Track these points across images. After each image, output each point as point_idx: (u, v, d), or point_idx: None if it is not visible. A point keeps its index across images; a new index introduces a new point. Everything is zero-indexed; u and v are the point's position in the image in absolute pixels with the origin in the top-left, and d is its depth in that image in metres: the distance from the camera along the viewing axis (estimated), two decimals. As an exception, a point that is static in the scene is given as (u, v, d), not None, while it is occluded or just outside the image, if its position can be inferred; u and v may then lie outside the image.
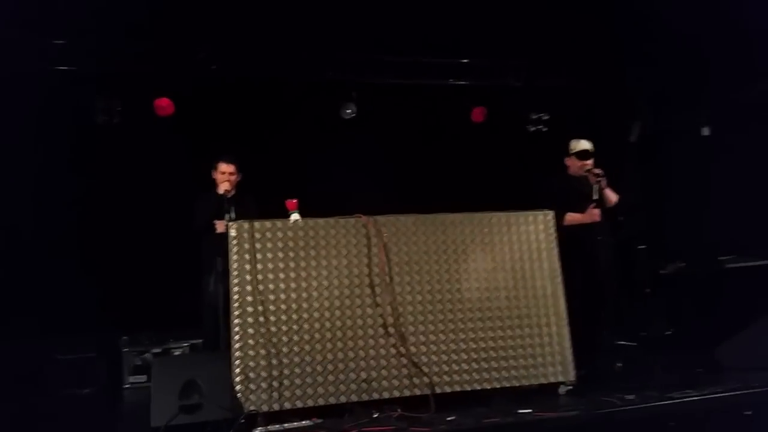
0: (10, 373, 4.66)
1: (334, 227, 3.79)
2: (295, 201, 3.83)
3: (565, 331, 4.02)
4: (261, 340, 3.53)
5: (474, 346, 3.86)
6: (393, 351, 3.73)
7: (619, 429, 3.30)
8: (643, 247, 6.37)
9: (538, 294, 4.03)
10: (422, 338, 3.79)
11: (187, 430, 3.23)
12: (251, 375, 3.48)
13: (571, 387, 3.95)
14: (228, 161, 4.66)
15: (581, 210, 4.62)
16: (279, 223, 3.72)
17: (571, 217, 4.64)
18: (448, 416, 3.33)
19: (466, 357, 3.84)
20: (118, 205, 5.80)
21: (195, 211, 4.66)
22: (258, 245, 3.63)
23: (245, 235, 3.63)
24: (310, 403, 3.54)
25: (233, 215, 4.26)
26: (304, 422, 3.38)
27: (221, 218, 4.42)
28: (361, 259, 3.79)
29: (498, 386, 3.85)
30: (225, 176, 4.63)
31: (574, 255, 4.49)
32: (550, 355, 3.97)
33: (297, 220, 3.76)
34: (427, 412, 3.48)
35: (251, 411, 3.40)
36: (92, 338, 5.11)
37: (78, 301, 5.25)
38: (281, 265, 3.65)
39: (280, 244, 3.67)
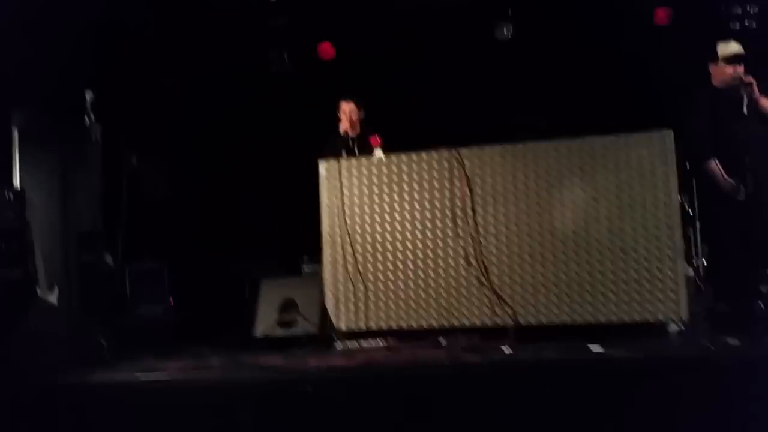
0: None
1: (416, 162, 3.87)
2: (378, 138, 3.98)
3: (680, 265, 3.54)
4: (350, 268, 3.87)
5: (565, 278, 3.65)
6: (474, 281, 3.75)
7: (697, 378, 2.86)
8: None
9: (649, 225, 3.59)
10: (506, 269, 3.72)
11: (285, 342, 3.76)
12: (340, 297, 3.86)
13: (682, 327, 3.50)
14: (346, 99, 4.78)
15: (733, 133, 3.82)
16: (365, 160, 3.94)
17: (712, 171, 3.89)
18: (505, 346, 3.27)
19: (556, 290, 3.66)
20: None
21: (322, 153, 5.05)
22: (345, 182, 3.92)
23: (334, 172, 3.94)
24: (393, 325, 3.81)
25: (381, 152, 4.29)
26: (378, 340, 3.66)
27: (351, 155, 4.71)
28: (444, 192, 3.82)
29: (592, 321, 3.60)
30: (345, 115, 4.76)
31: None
32: (660, 291, 3.55)
33: (380, 158, 3.93)
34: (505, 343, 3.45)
35: (339, 329, 3.80)
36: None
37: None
38: (366, 200, 3.90)
39: (365, 181, 3.91)
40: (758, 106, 3.85)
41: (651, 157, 3.60)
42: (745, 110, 3.76)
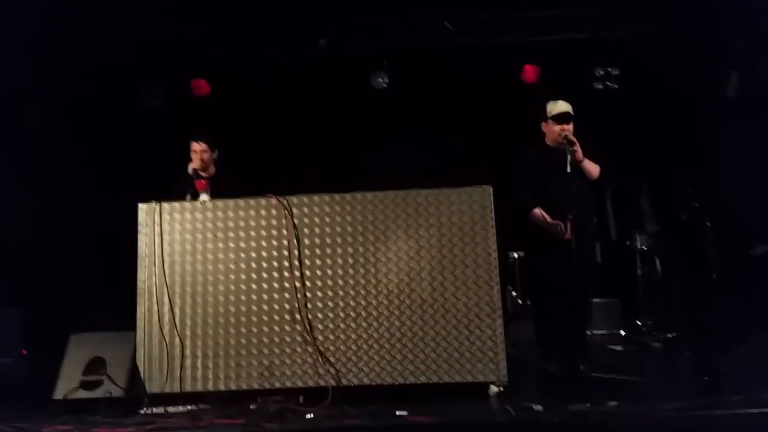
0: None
1: (243, 208, 3.72)
2: (204, 181, 3.82)
3: (499, 324, 3.53)
4: (166, 322, 3.62)
5: (387, 335, 3.56)
6: (298, 338, 3.59)
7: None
8: (708, 224, 5.37)
9: (469, 282, 3.58)
10: (331, 326, 3.59)
11: (86, 406, 3.43)
12: (153, 356, 3.59)
13: (501, 388, 3.47)
14: (197, 139, 4.71)
15: (557, 188, 3.94)
16: (188, 204, 3.74)
17: (536, 218, 4.01)
18: (309, 413, 3.11)
19: (377, 348, 3.56)
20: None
21: (170, 192, 4.86)
22: (167, 226, 3.70)
23: (154, 216, 3.71)
24: (210, 387, 3.57)
25: (207, 196, 4.30)
26: (188, 406, 3.40)
27: (195, 198, 4.55)
28: (271, 241, 3.67)
29: (414, 381, 3.51)
30: (196, 155, 4.70)
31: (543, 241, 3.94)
32: (480, 351, 3.52)
33: (205, 201, 3.75)
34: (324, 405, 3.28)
35: (150, 391, 3.51)
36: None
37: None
38: (189, 246, 3.68)
39: (188, 226, 3.70)
40: (580, 166, 3.99)
41: (471, 212, 3.62)
42: (568, 168, 3.88)
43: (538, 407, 3.02)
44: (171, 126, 6.46)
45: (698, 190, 5.68)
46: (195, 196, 4.36)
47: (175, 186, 4.81)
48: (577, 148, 3.94)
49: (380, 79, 6.67)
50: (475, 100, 6.69)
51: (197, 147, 4.71)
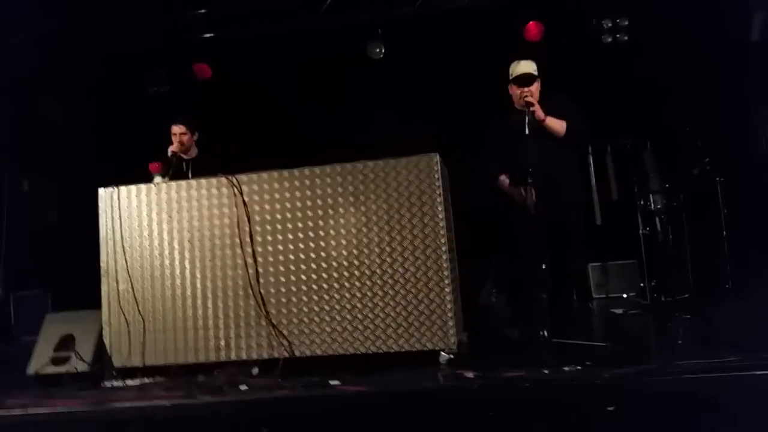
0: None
1: (195, 188, 3.79)
2: (158, 164, 3.90)
3: (448, 292, 3.46)
4: (128, 299, 3.76)
5: (339, 308, 3.57)
6: (253, 313, 3.65)
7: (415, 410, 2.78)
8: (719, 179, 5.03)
9: (418, 251, 3.52)
10: (283, 300, 3.63)
11: (55, 380, 3.63)
12: (115, 332, 3.75)
13: (452, 356, 3.42)
14: (177, 122, 4.83)
15: (520, 152, 3.78)
16: (144, 187, 3.84)
17: (503, 185, 3.88)
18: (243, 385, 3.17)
19: (329, 320, 3.58)
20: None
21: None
22: (125, 208, 3.82)
23: (112, 198, 3.84)
24: (171, 360, 3.70)
25: (160, 178, 4.44)
26: (145, 379, 3.54)
27: (181, 178, 4.67)
28: (223, 219, 3.73)
29: (365, 351, 3.52)
30: (176, 137, 4.81)
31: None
32: (429, 320, 3.47)
33: (159, 183, 3.84)
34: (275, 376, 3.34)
35: (115, 366, 3.68)
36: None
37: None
38: (146, 227, 3.80)
39: (145, 208, 3.81)
40: (543, 125, 3.82)
41: (418, 181, 3.54)
42: (527, 130, 3.72)
43: (470, 374, 2.95)
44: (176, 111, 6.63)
45: (709, 144, 5.32)
46: (174, 178, 4.48)
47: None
48: (535, 108, 3.76)
49: (377, 50, 6.55)
50: (477, 64, 6.46)
51: (176, 129, 4.82)
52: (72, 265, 6.33)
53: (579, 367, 2.93)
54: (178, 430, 2.91)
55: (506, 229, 4.09)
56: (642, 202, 5.43)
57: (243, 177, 3.73)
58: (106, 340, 3.74)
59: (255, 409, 2.91)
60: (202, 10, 6.39)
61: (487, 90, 6.25)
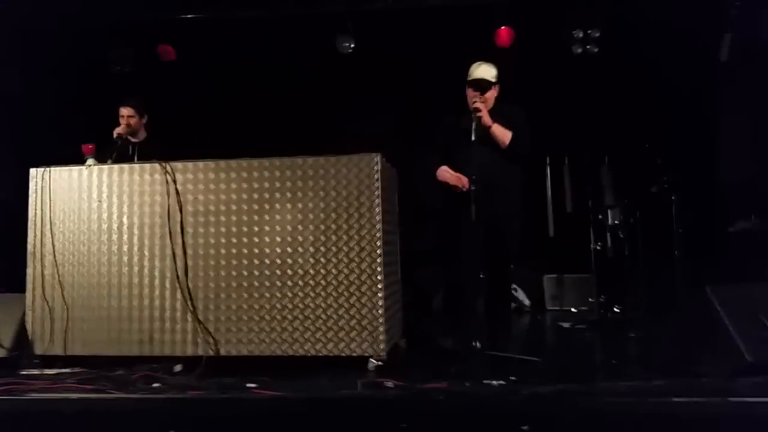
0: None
1: (128, 173, 3.65)
2: (91, 146, 3.76)
3: (380, 297, 3.37)
4: (53, 285, 3.62)
5: (269, 307, 3.46)
6: (179, 307, 3.53)
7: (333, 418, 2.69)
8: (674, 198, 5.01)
9: (353, 253, 3.42)
10: (212, 296, 3.51)
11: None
12: (38, 318, 3.60)
13: (381, 363, 3.33)
14: (125, 104, 4.70)
15: (463, 156, 3.69)
16: (75, 169, 3.70)
17: (441, 176, 3.79)
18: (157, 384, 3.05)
19: (258, 319, 3.46)
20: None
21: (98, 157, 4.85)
22: (55, 190, 3.67)
23: (43, 179, 3.69)
24: (93, 351, 3.56)
25: (93, 160, 4.26)
26: (65, 369, 3.40)
27: (126, 161, 4.52)
28: (154, 208, 3.60)
29: (293, 354, 3.42)
30: (123, 119, 4.67)
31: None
32: (359, 325, 3.38)
33: (91, 165, 3.70)
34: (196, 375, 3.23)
35: (36, 353, 3.54)
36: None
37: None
38: (75, 210, 3.65)
39: (75, 190, 3.66)
40: (490, 132, 3.74)
41: (357, 181, 3.44)
42: (473, 136, 3.63)
43: (389, 383, 2.86)
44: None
45: (669, 163, 5.30)
46: (117, 161, 4.34)
47: (104, 149, 4.80)
48: (482, 114, 3.67)
49: (346, 44, 6.44)
50: (446, 65, 6.37)
51: (124, 112, 4.71)
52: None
53: (502, 382, 2.85)
54: (83, 425, 2.79)
55: (445, 234, 4.01)
56: (596, 217, 5.38)
57: (178, 165, 3.60)
58: (29, 326, 3.60)
59: (164, 409, 2.80)
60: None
61: (453, 90, 6.24)
